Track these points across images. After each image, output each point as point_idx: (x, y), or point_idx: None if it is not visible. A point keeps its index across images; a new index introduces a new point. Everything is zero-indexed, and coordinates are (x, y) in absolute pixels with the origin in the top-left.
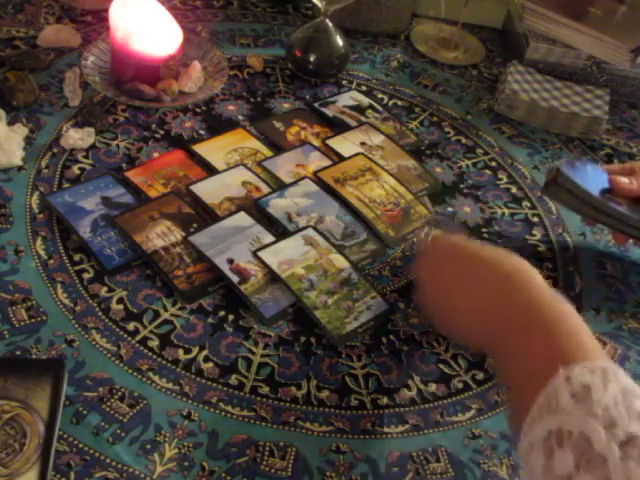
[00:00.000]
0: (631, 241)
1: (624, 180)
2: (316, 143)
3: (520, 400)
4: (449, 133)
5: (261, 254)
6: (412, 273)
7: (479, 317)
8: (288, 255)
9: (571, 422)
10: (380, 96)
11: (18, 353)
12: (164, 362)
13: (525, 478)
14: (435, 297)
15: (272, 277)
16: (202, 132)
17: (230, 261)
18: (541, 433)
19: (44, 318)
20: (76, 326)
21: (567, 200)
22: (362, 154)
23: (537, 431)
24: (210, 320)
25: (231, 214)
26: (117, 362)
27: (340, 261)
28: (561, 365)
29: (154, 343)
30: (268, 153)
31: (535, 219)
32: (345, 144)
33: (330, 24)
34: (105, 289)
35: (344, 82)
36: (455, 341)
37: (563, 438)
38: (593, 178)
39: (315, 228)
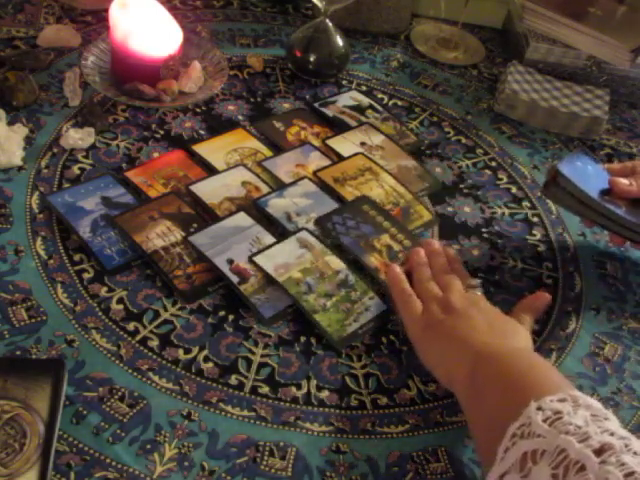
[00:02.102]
0: (628, 243)
1: (624, 182)
2: (316, 143)
3: (491, 438)
4: (449, 133)
5: (257, 259)
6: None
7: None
8: (284, 259)
9: (545, 442)
10: (380, 96)
11: (18, 353)
12: (164, 362)
13: None
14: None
15: (269, 280)
16: (202, 132)
17: (230, 261)
18: (515, 457)
19: (44, 318)
20: (76, 326)
21: (566, 201)
22: (362, 154)
23: (510, 457)
24: (210, 320)
25: (231, 214)
26: (117, 362)
27: (335, 263)
28: (532, 398)
29: (154, 343)
30: (268, 153)
31: (535, 219)
32: (345, 144)
33: (330, 24)
34: (105, 289)
35: (344, 82)
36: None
37: (537, 456)
38: (593, 178)
39: (309, 230)
